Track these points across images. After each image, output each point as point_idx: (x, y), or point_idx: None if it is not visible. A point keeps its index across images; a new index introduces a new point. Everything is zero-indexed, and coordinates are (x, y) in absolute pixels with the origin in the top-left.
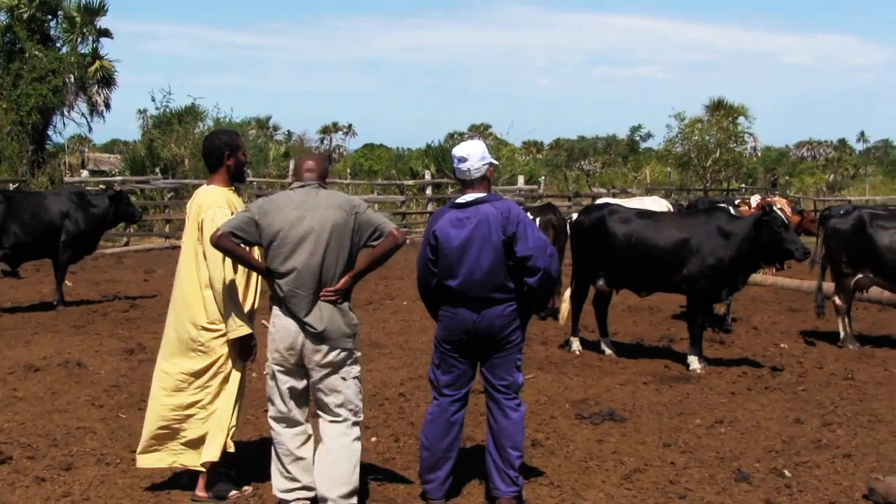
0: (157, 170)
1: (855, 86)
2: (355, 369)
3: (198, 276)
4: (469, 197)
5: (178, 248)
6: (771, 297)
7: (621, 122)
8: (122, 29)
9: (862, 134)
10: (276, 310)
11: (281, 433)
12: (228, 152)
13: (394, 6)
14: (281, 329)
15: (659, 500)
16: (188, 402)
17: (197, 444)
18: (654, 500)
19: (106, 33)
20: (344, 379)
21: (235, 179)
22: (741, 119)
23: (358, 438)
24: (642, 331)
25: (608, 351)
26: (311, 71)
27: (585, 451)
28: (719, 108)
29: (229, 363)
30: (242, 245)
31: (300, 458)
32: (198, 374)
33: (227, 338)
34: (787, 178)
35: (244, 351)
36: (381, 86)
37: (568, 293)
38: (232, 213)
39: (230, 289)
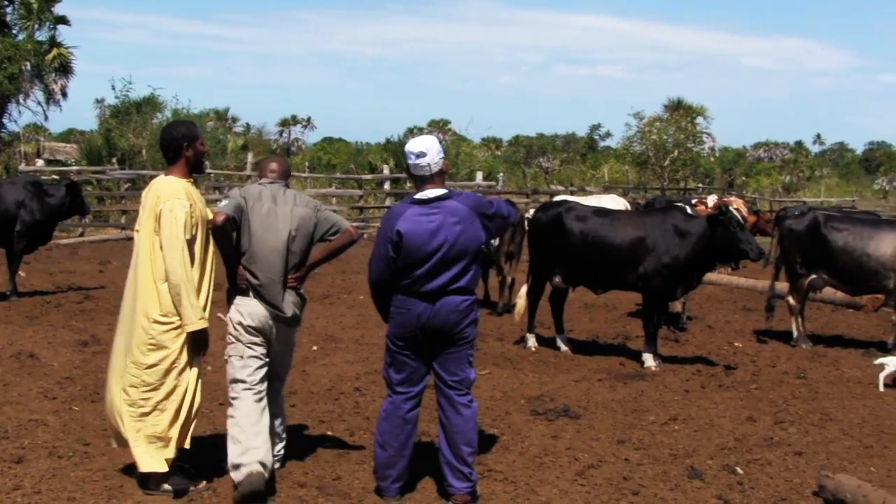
0: (114, 160)
1: (812, 89)
2: (295, 343)
3: (152, 267)
4: (431, 193)
5: (133, 239)
6: (726, 296)
7: (581, 121)
8: (79, 16)
9: (818, 136)
10: (241, 298)
11: (248, 404)
12: (187, 143)
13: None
14: (250, 313)
15: (612, 497)
16: (141, 397)
17: (151, 441)
18: (608, 496)
19: (63, 20)
20: (291, 353)
21: (194, 170)
22: (699, 119)
23: (283, 417)
24: (598, 328)
25: (564, 347)
26: (271, 63)
27: (540, 447)
28: (678, 108)
29: (184, 358)
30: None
31: (260, 427)
32: (151, 368)
33: (185, 331)
34: (744, 178)
35: (199, 345)
36: (341, 79)
37: (524, 289)
38: (191, 205)
39: (188, 281)
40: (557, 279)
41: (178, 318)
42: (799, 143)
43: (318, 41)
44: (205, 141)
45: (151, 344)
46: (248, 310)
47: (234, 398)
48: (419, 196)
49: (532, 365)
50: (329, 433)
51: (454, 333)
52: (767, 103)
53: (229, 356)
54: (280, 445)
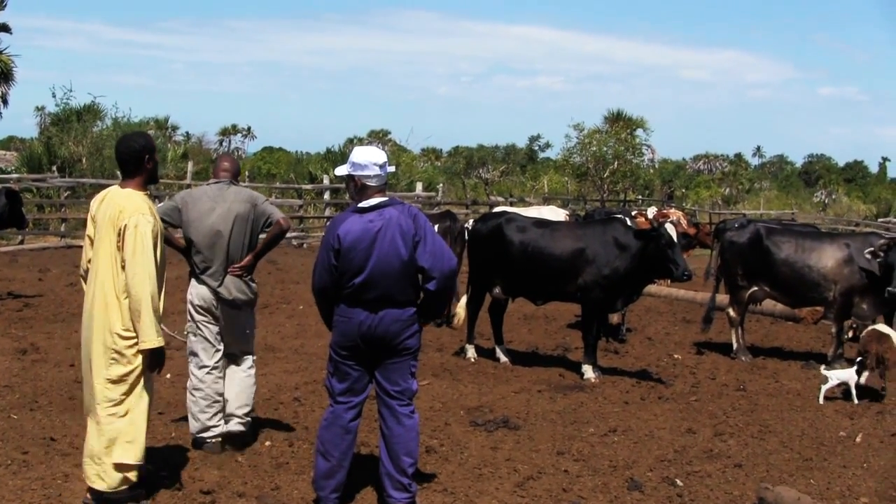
0: (54, 168)
1: (751, 101)
2: (254, 325)
3: (114, 282)
4: (373, 201)
5: (73, 247)
6: (665, 308)
7: (521, 132)
8: (19, 24)
9: (758, 149)
10: (193, 280)
11: (204, 380)
12: (147, 156)
13: (291, 9)
14: (198, 295)
15: None
16: (103, 411)
17: (101, 453)
18: None
19: (5, 28)
20: (247, 332)
21: (151, 182)
22: (639, 131)
23: (254, 373)
24: (537, 339)
25: (503, 359)
26: (210, 72)
27: (479, 458)
28: (618, 119)
29: (141, 379)
30: (169, 228)
31: (217, 400)
32: (115, 383)
33: (140, 347)
34: (684, 190)
35: (155, 361)
36: (281, 89)
37: (464, 300)
38: (154, 220)
39: (151, 299)
40: (497, 290)
41: (137, 333)
42: (738, 156)
43: (256, 50)
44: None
45: (115, 359)
46: (195, 291)
47: (194, 374)
48: (362, 204)
49: (471, 376)
50: (268, 443)
51: (396, 343)
52: (706, 115)
53: (187, 332)
54: (236, 422)
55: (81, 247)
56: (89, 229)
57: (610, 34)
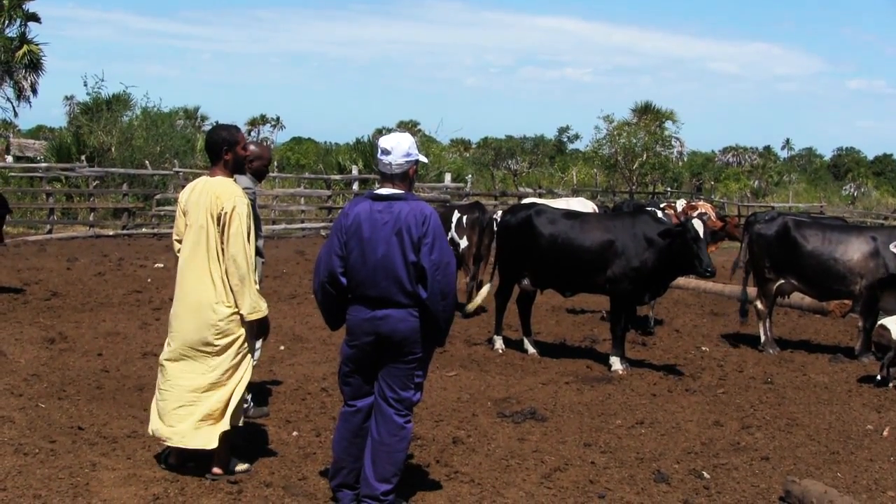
0: (83, 157)
1: (780, 94)
2: None
3: (210, 264)
4: (386, 191)
5: (102, 237)
6: (693, 300)
7: (549, 123)
8: (47, 13)
9: (787, 141)
10: None
11: None
12: (226, 148)
13: None
14: None
15: (578, 500)
16: (208, 382)
17: (205, 423)
18: (574, 500)
19: (34, 17)
20: None
21: (236, 171)
22: (668, 123)
23: None
24: (565, 331)
25: (531, 350)
26: (238, 62)
27: (506, 450)
28: (647, 111)
29: (246, 345)
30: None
31: None
32: (218, 354)
33: (248, 319)
34: (713, 183)
35: (262, 330)
36: (308, 79)
37: (485, 289)
38: (245, 200)
39: (250, 273)
40: (526, 281)
41: (251, 305)
42: (767, 149)
43: (284, 40)
44: (246, 145)
45: (219, 334)
46: None
47: None
48: (377, 192)
49: (499, 367)
50: (295, 433)
51: (403, 346)
52: (735, 108)
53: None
54: None
55: (110, 236)
56: (180, 223)
57: (637, 26)
